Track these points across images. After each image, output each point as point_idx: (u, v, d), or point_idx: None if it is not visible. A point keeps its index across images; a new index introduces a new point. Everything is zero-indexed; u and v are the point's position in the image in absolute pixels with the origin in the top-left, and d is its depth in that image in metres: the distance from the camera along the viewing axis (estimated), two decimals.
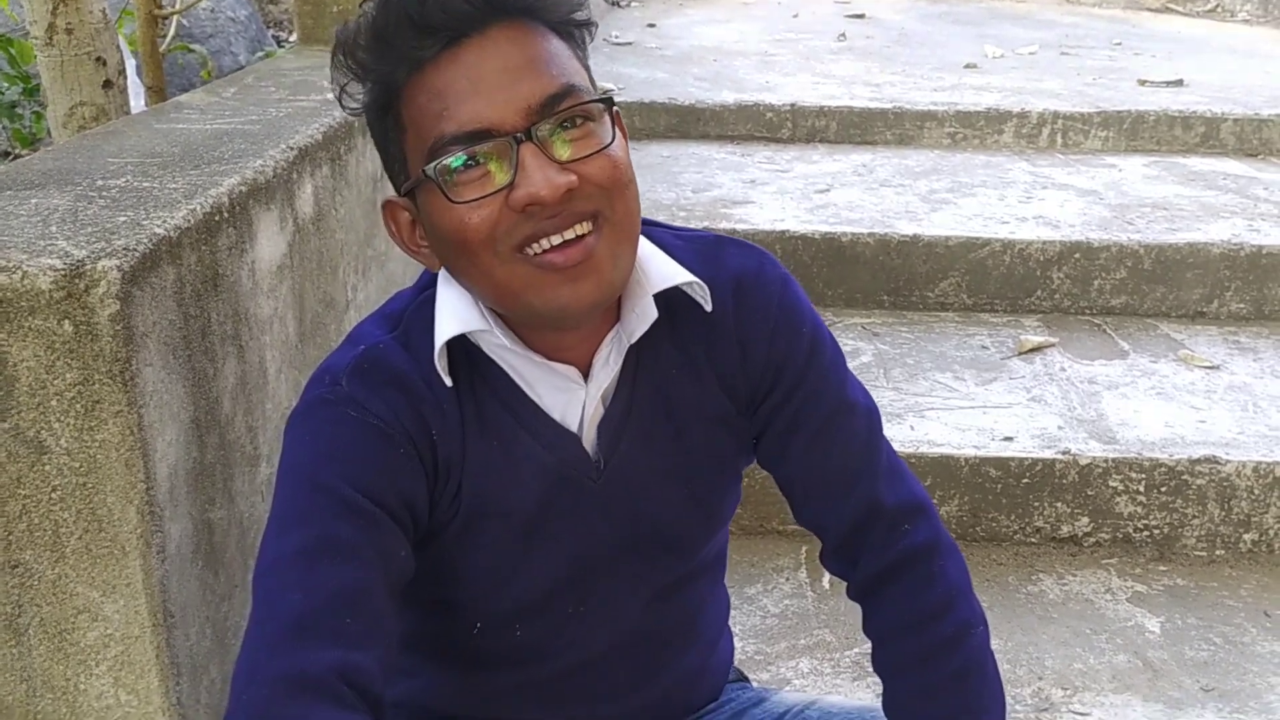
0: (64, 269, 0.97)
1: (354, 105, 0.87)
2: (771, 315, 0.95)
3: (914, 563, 0.98)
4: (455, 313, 0.88)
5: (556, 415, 0.92)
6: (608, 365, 0.92)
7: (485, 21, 0.81)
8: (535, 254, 0.81)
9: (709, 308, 0.93)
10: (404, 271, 2.03)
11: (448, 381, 0.88)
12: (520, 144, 0.79)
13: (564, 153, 0.81)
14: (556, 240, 0.81)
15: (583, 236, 0.82)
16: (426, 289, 0.93)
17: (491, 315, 0.89)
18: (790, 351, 0.95)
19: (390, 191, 0.91)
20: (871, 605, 1.01)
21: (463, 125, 0.79)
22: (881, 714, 1.02)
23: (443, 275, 0.91)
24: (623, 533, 0.96)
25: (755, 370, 0.96)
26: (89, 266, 0.97)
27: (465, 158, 0.80)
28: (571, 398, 0.92)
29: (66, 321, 0.97)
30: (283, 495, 0.86)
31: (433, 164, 0.81)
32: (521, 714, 1.03)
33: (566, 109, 0.81)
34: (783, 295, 0.96)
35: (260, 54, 4.85)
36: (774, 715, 1.10)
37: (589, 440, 0.94)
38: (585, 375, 0.92)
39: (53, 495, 1.02)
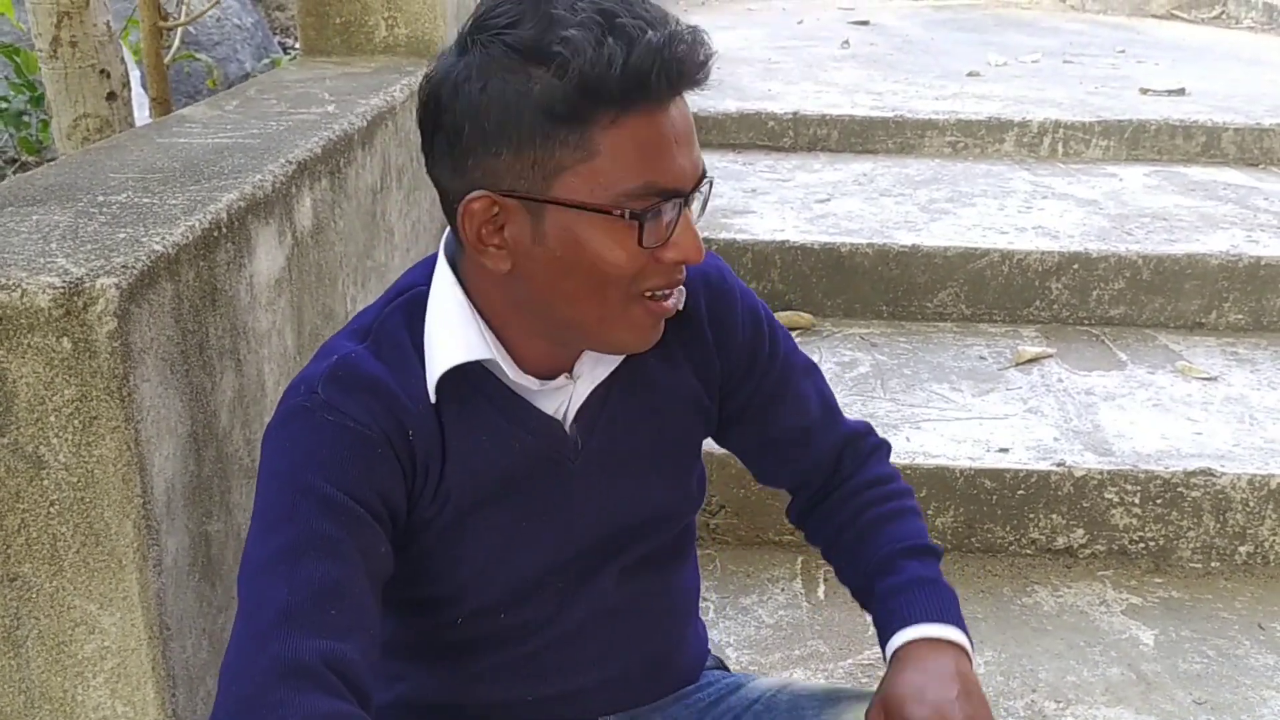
0: (63, 287, 0.98)
1: (516, 90, 0.84)
2: (738, 310, 1.07)
3: (875, 453, 1.17)
4: (458, 341, 0.93)
5: (548, 410, 0.99)
6: (602, 362, 0.99)
7: (684, 88, 0.87)
8: (652, 299, 0.91)
9: (679, 307, 1.01)
10: None
11: (433, 399, 0.93)
12: (684, 206, 0.89)
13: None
14: (671, 294, 0.92)
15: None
16: (393, 299, 0.98)
17: (494, 341, 0.94)
18: (757, 340, 1.08)
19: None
20: (841, 485, 1.15)
21: (673, 180, 0.86)
22: (847, 690, 1.09)
23: (441, 290, 0.95)
24: (600, 511, 1.02)
25: (729, 358, 1.07)
26: (88, 284, 0.99)
27: (663, 210, 0.87)
28: (562, 396, 0.99)
29: (65, 339, 0.99)
30: (264, 500, 0.90)
31: (639, 207, 0.85)
32: (503, 693, 1.06)
33: (703, 183, 0.91)
34: (742, 293, 1.09)
35: (266, 61, 4.88)
36: (749, 699, 1.14)
37: (568, 424, 1.00)
38: (570, 368, 0.99)
39: (51, 509, 1.03)
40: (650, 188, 0.85)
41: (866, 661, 1.81)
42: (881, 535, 1.10)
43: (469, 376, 0.94)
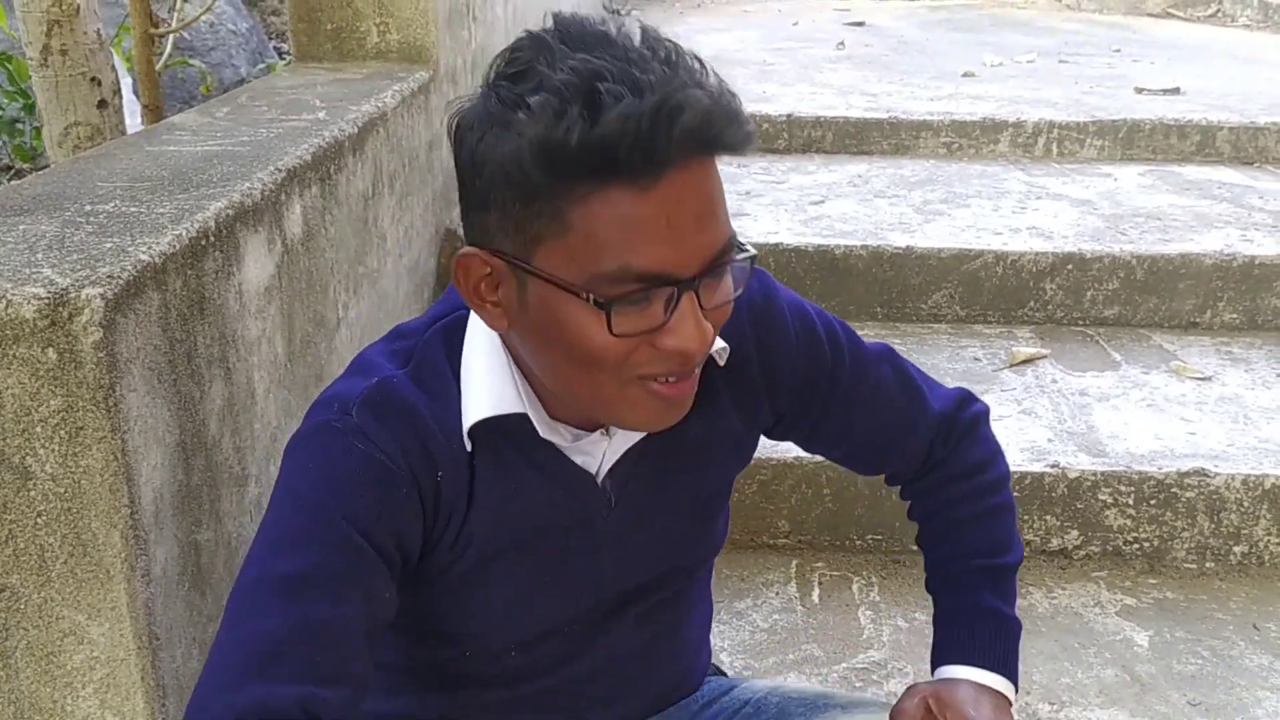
0: (48, 297, 0.98)
1: (490, 147, 0.77)
2: (790, 335, 0.98)
3: (970, 432, 1.09)
4: (491, 389, 0.88)
5: (579, 462, 0.93)
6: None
7: (693, 157, 0.76)
8: (654, 383, 0.81)
9: (722, 363, 0.94)
10: (397, 288, 2.04)
11: (468, 446, 0.88)
12: (683, 292, 0.77)
13: (708, 300, 0.79)
14: (682, 379, 0.82)
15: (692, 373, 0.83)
16: (435, 322, 0.92)
17: (528, 393, 0.88)
18: (816, 358, 1.00)
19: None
20: (932, 472, 1.10)
21: (649, 266, 0.75)
22: (837, 696, 1.08)
23: (477, 327, 0.90)
24: (629, 563, 0.98)
25: (784, 391, 1.00)
26: (73, 295, 0.99)
27: (651, 296, 0.77)
28: (596, 450, 0.93)
29: (50, 349, 0.99)
30: (277, 518, 0.86)
31: (606, 293, 0.76)
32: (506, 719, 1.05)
33: (727, 261, 0.80)
34: (792, 309, 0.99)
35: (262, 66, 4.89)
36: (740, 701, 1.13)
37: (601, 477, 0.95)
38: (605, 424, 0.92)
39: (38, 520, 1.03)
40: (625, 272, 0.75)
41: (860, 665, 1.81)
42: (960, 542, 1.08)
43: (502, 423, 0.89)
